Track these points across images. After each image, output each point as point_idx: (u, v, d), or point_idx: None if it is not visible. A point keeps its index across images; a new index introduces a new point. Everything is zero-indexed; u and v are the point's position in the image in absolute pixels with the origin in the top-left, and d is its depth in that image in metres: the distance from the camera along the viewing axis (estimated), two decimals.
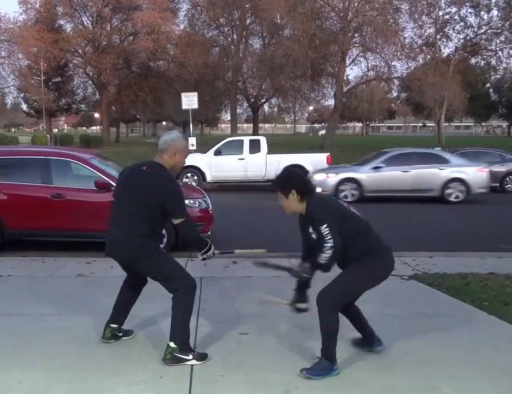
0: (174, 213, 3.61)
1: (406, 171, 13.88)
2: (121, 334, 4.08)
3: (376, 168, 14.09)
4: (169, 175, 3.64)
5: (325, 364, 3.51)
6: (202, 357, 3.72)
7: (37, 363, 3.66)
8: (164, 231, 7.37)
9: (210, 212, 8.04)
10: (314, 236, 3.49)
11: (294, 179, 3.56)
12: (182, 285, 3.65)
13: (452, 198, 13.94)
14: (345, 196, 13.43)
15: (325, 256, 3.37)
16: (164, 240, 7.50)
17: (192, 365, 3.62)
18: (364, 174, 13.91)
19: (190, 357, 3.65)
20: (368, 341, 3.94)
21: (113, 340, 4.03)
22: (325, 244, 3.35)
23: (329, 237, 3.35)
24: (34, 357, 3.77)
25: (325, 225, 3.35)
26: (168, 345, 3.63)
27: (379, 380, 3.48)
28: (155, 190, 3.56)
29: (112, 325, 4.03)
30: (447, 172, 14.00)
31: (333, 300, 3.50)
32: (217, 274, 6.19)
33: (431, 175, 13.93)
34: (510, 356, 3.90)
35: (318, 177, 13.80)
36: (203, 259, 3.85)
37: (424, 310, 4.97)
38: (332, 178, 13.97)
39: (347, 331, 3.87)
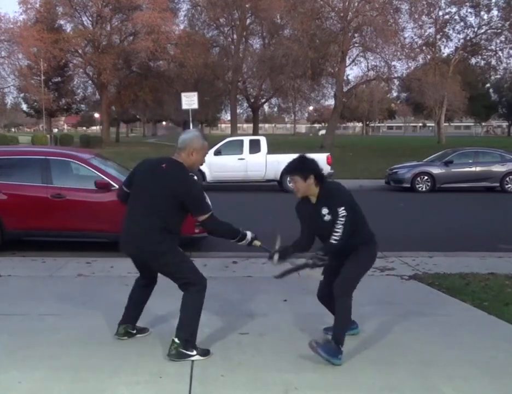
0: (197, 212, 3.69)
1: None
2: (134, 331, 4.13)
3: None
4: (187, 175, 3.71)
5: (333, 347, 3.67)
6: (205, 352, 3.79)
7: (37, 363, 3.66)
8: None
9: None
10: (327, 218, 3.68)
11: (312, 164, 3.76)
12: (194, 284, 3.72)
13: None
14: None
15: (338, 235, 3.56)
16: None
17: (192, 365, 3.63)
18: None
19: (194, 352, 3.71)
20: None
21: (126, 336, 4.09)
22: (340, 225, 3.56)
23: (344, 220, 3.56)
24: (34, 357, 3.76)
25: (342, 208, 3.58)
26: (173, 341, 3.70)
27: (379, 380, 3.48)
28: (175, 189, 3.63)
29: (125, 324, 4.08)
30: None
31: (349, 288, 3.75)
32: (217, 274, 6.19)
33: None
34: (510, 356, 3.90)
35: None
36: (249, 244, 3.94)
37: (424, 309, 4.96)
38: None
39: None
